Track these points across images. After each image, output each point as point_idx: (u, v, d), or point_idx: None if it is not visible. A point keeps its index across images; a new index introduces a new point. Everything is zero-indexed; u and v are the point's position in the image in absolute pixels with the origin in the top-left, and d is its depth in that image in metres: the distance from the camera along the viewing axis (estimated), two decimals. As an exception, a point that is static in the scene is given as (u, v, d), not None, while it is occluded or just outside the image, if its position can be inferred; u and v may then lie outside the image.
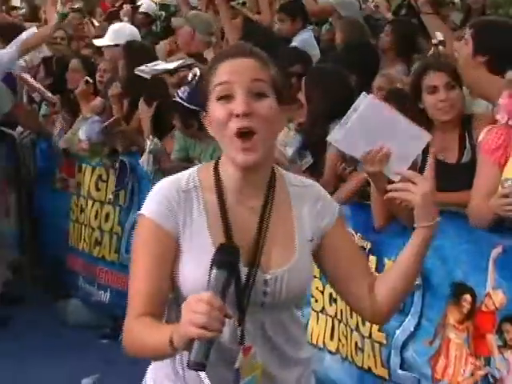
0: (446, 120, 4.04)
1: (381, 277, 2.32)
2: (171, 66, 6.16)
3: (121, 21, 8.60)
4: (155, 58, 6.41)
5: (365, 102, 3.01)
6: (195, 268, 2.03)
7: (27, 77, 7.44)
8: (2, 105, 6.70)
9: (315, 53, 6.80)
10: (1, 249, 7.26)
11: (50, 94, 7.32)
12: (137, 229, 2.20)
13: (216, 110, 2.06)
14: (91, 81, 6.75)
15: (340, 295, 2.45)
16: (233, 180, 2.13)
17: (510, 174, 3.35)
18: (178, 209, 2.12)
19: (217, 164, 2.16)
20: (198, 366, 1.89)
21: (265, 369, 2.16)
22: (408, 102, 4.31)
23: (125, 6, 9.75)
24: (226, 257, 1.96)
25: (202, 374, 2.02)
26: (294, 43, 6.77)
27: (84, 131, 6.25)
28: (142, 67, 5.85)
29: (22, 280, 7.17)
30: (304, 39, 7.23)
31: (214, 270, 1.92)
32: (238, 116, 2.00)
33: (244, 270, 2.09)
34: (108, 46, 6.92)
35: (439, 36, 5.79)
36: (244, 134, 2.01)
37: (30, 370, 5.32)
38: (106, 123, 6.12)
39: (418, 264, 2.20)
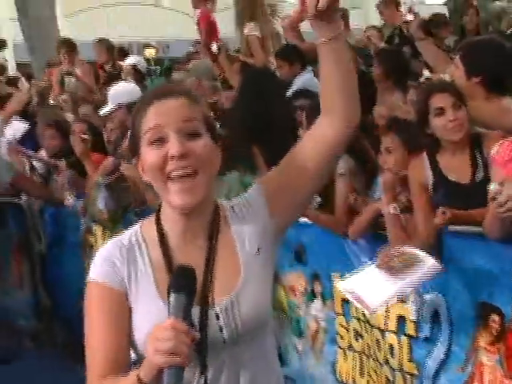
0: (457, 140, 4.03)
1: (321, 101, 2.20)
2: None
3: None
4: None
5: None
6: (145, 319, 2.01)
7: (19, 147, 7.60)
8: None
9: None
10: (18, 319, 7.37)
11: (47, 159, 7.39)
12: (86, 295, 2.13)
13: (148, 155, 2.02)
14: (86, 137, 6.77)
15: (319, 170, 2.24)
16: (176, 224, 2.12)
17: None
18: (122, 266, 2.10)
19: (158, 213, 2.14)
20: None
21: None
22: (411, 129, 4.37)
23: (124, 65, 9.87)
24: (182, 280, 1.93)
25: None
26: (295, 85, 6.83)
27: (101, 199, 6.29)
28: None
29: (41, 348, 7.19)
30: (305, 80, 7.30)
31: (173, 295, 1.90)
32: (173, 158, 1.97)
33: (196, 311, 2.03)
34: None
35: (426, 74, 5.89)
36: (185, 176, 1.99)
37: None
38: (109, 181, 6.15)
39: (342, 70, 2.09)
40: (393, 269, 3.83)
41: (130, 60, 9.77)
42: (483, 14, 9.05)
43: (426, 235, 3.91)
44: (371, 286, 3.90)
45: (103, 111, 7.05)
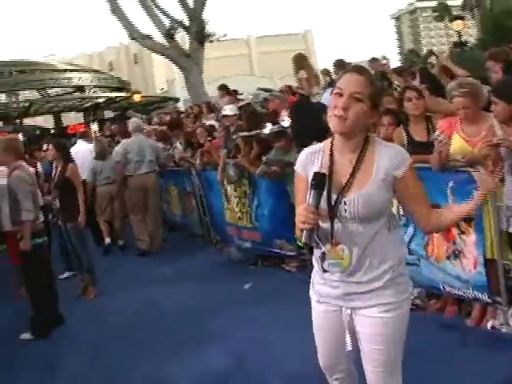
0: (416, 114, 4.27)
1: (437, 213, 2.15)
2: (266, 130, 6.26)
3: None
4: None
5: None
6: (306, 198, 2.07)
7: None
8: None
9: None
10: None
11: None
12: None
13: (332, 100, 2.06)
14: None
15: (406, 212, 2.43)
16: (338, 142, 2.13)
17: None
18: (306, 162, 2.19)
19: (333, 136, 2.15)
20: (306, 245, 2.00)
21: (349, 265, 2.09)
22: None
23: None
24: (316, 180, 2.00)
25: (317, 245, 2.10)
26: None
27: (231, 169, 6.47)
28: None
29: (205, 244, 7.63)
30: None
31: (310, 190, 2.00)
32: (336, 107, 2.03)
33: (334, 197, 2.07)
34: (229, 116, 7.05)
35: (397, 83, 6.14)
36: (339, 118, 2.02)
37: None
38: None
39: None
40: None
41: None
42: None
43: None
44: None
45: (225, 112, 7.14)
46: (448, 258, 3.97)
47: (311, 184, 1.99)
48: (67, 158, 6.08)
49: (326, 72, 8.08)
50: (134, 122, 8.53)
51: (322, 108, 5.75)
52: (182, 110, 15.87)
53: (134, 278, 6.60)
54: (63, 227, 6.12)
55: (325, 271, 2.14)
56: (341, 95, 2.03)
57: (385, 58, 8.84)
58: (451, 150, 3.78)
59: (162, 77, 43.13)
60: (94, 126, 25.24)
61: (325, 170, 2.09)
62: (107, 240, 8.09)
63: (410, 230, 4.23)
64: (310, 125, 5.37)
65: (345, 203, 2.06)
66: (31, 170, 5.53)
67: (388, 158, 2.08)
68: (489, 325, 3.83)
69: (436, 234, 4.03)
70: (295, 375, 3.44)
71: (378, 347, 2.14)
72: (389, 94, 5.69)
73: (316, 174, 2.02)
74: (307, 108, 5.80)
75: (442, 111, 4.32)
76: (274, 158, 5.77)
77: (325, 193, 2.04)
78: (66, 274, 6.76)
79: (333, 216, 2.07)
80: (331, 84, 7.23)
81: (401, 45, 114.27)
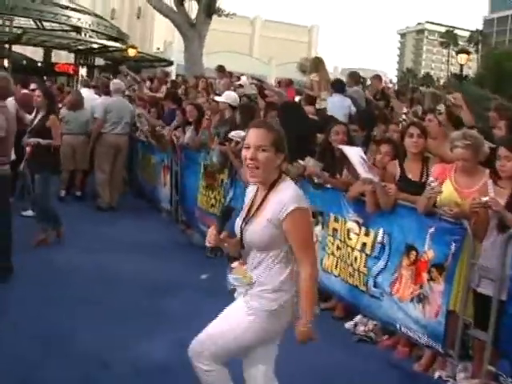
0: (414, 152, 4.24)
1: (302, 282, 2.32)
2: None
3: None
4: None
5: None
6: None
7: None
8: None
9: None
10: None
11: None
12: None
13: (243, 152, 2.35)
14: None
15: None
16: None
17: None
18: (247, 191, 2.59)
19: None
20: (228, 257, 2.50)
21: (249, 283, 2.38)
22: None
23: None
24: (224, 212, 2.50)
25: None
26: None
27: (215, 157, 6.24)
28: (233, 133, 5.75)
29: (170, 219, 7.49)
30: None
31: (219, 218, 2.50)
32: (246, 159, 2.32)
33: (242, 225, 2.41)
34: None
35: (404, 110, 6.21)
36: (252, 168, 2.31)
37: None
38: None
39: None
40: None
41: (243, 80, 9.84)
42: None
43: (388, 203, 4.13)
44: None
45: (218, 99, 6.88)
46: (412, 300, 3.95)
47: (221, 212, 2.56)
48: (52, 109, 5.96)
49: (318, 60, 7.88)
50: (117, 83, 8.66)
51: (322, 121, 5.82)
52: (173, 77, 15.74)
53: (88, 235, 6.51)
54: (29, 175, 6.02)
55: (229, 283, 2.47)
56: (248, 148, 2.32)
57: (391, 81, 8.94)
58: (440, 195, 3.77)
59: (161, 37, 42.28)
60: (83, 71, 24.73)
61: (248, 202, 2.46)
62: (62, 192, 8.12)
63: (381, 263, 4.27)
64: (294, 134, 5.26)
65: (246, 231, 2.38)
66: (12, 112, 5.30)
67: (276, 202, 2.32)
68: (436, 374, 3.81)
69: (405, 274, 4.04)
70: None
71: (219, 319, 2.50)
72: (395, 123, 5.65)
73: (226, 207, 2.60)
74: (297, 114, 5.58)
75: (440, 155, 4.32)
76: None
77: (238, 220, 2.43)
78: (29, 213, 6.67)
79: (241, 240, 2.42)
80: (337, 89, 7.16)
81: (401, 61, 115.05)
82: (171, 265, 5.65)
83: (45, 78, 19.65)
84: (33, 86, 8.24)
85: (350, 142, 4.85)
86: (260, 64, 36.61)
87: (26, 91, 7.89)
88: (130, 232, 6.86)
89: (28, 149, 5.88)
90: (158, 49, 39.05)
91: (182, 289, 5.02)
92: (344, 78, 8.11)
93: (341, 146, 4.41)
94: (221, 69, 10.04)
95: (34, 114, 6.11)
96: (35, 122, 5.90)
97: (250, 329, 2.38)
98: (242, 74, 12.46)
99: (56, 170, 6.11)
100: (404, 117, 6.17)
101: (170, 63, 26.44)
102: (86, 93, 9.23)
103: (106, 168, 8.06)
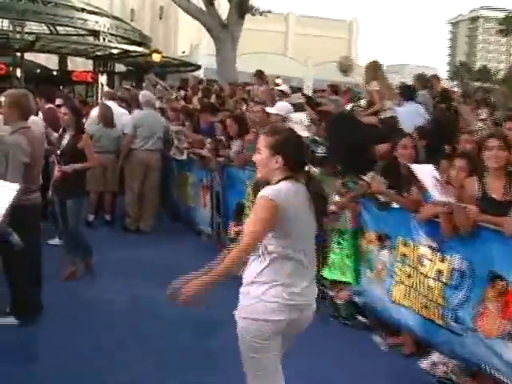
0: (495, 167, 4.16)
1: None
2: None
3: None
4: None
5: None
6: None
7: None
8: None
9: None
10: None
11: None
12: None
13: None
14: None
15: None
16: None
17: None
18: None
19: None
20: None
21: None
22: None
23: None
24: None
25: None
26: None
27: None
28: None
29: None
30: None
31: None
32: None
33: None
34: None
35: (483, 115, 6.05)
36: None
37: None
38: None
39: None
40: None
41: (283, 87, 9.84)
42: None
43: (468, 226, 4.04)
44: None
45: (270, 110, 6.90)
46: (501, 337, 3.86)
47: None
48: (80, 126, 5.98)
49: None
50: (147, 95, 8.76)
51: (386, 129, 5.79)
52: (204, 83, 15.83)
53: (120, 263, 6.58)
54: (57, 203, 6.00)
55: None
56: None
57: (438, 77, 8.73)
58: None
59: (186, 39, 42.77)
60: (103, 79, 24.99)
61: None
62: (91, 217, 8.22)
63: (461, 294, 4.18)
64: (345, 145, 5.21)
65: None
66: (39, 134, 5.10)
67: None
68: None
69: (491, 306, 3.95)
70: None
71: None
72: (467, 132, 5.53)
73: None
74: (348, 123, 5.52)
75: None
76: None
77: None
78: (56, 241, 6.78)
79: None
80: (407, 96, 7.12)
81: (452, 54, 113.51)
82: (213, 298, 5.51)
83: (61, 87, 19.91)
84: (58, 101, 8.22)
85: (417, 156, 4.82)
86: (296, 64, 36.53)
87: (51, 105, 7.97)
88: (165, 257, 6.88)
89: (57, 174, 5.84)
90: (184, 52, 39.50)
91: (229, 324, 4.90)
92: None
93: (411, 166, 4.33)
94: (260, 74, 10.07)
95: (60, 131, 6.11)
96: (64, 143, 5.91)
97: (241, 342, 2.83)
98: (278, 77, 12.50)
99: (86, 193, 6.19)
100: (481, 124, 5.99)
101: (198, 67, 26.62)
102: (113, 106, 9.20)
103: (135, 186, 8.22)
